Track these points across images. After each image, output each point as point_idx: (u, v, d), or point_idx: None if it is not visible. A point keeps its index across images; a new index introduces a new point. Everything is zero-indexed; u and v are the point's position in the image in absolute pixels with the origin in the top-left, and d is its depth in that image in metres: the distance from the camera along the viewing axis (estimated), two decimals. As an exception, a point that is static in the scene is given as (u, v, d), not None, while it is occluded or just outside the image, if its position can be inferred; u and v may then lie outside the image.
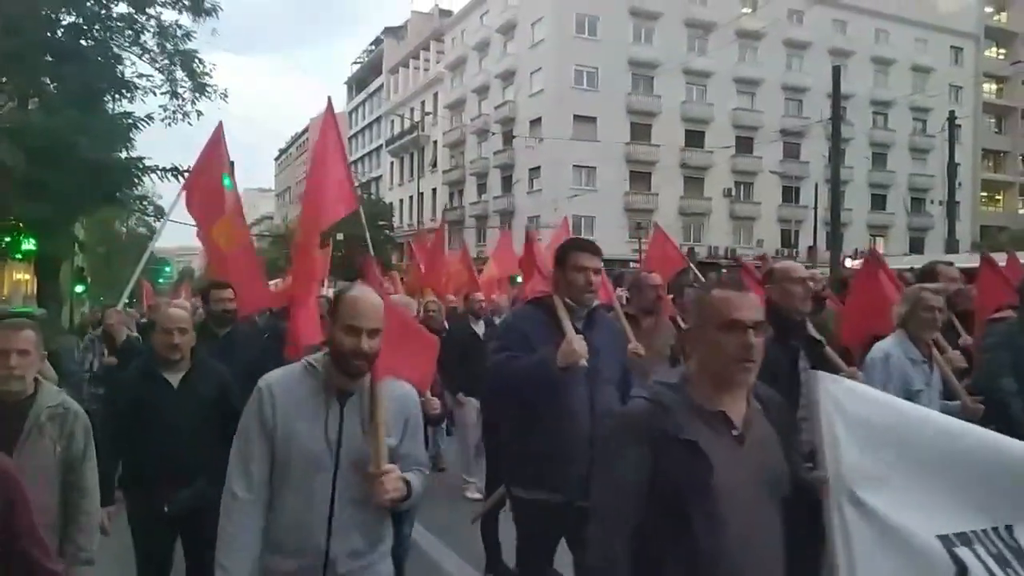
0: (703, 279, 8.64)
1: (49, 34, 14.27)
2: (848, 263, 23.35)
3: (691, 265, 9.01)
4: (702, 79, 41.56)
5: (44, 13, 13.93)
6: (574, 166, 38.45)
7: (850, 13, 44.46)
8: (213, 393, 3.40)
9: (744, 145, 42.59)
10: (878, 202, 46.60)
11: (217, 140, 5.95)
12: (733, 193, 42.58)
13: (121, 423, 3.34)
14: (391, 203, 49.69)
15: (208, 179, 5.84)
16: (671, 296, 6.90)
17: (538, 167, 39.42)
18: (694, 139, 41.63)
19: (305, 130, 75.01)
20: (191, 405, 3.32)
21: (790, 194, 42.82)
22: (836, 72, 20.35)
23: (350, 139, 66.59)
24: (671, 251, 8.22)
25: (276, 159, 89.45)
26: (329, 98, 5.97)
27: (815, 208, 34.29)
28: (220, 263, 5.76)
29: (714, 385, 1.79)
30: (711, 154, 41.09)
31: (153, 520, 3.28)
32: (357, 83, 65.96)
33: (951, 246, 23.39)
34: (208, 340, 4.26)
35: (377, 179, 58.15)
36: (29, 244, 15.20)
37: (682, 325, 6.14)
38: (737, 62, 42.21)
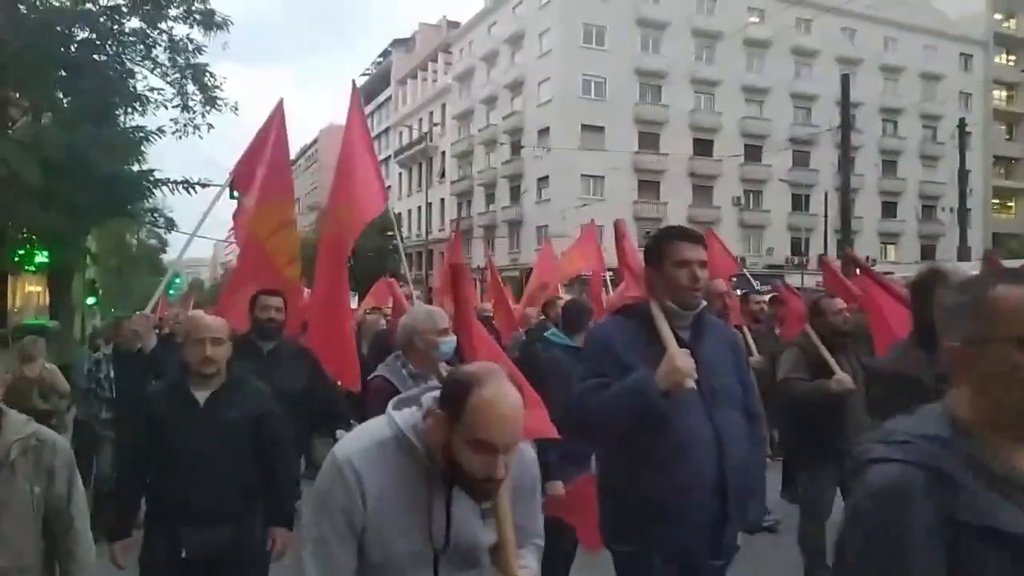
0: (757, 286, 7.77)
1: (63, 49, 14.45)
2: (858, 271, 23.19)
3: (745, 271, 8.44)
4: (710, 88, 41.56)
5: (59, 29, 14.13)
6: (582, 175, 38.48)
7: (858, 21, 44.37)
8: (248, 416, 2.90)
9: (753, 153, 42.50)
10: (889, 210, 46.37)
11: (274, 119, 5.10)
12: (742, 202, 42.46)
13: (143, 445, 2.90)
14: (399, 213, 49.88)
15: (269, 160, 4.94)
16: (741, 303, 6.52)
17: (546, 177, 39.49)
18: (702, 148, 41.56)
19: (314, 141, 75.47)
20: (218, 428, 2.82)
21: (800, 202, 42.67)
22: (845, 80, 20.30)
23: (359, 150, 66.84)
24: (725, 257, 7.54)
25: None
26: (353, 82, 5.35)
27: (825, 216, 34.14)
28: (259, 265, 4.83)
29: (1013, 434, 1.16)
30: (720, 162, 41.03)
31: (165, 564, 2.78)
32: (365, 95, 66.29)
33: (963, 254, 23.23)
34: (250, 355, 3.70)
35: (386, 189, 58.41)
36: (42, 256, 15.33)
37: (747, 333, 5.51)
38: (745, 71, 42.19)
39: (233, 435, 2.85)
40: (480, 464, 1.53)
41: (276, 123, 5.07)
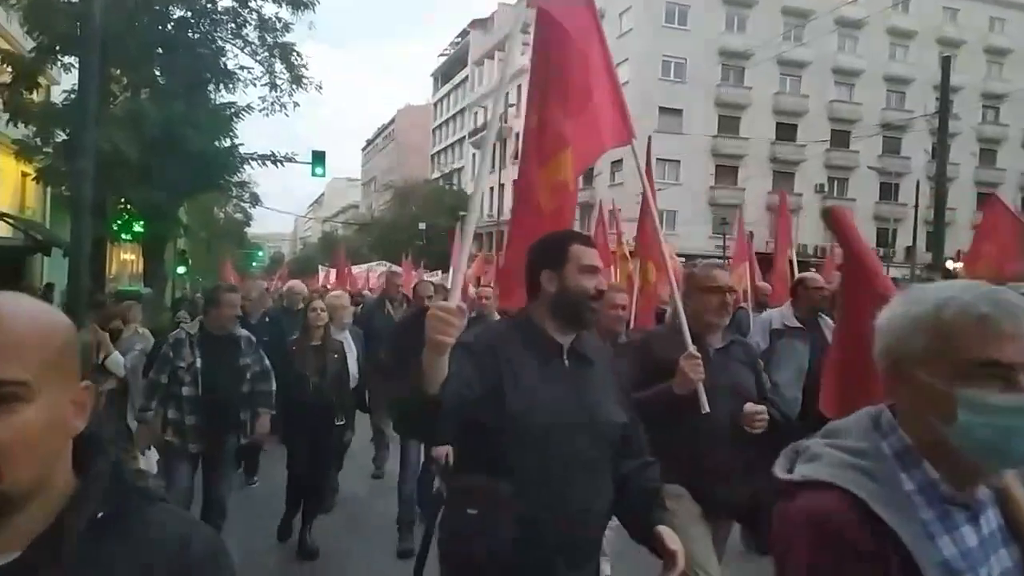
0: None
1: (160, 27, 15.11)
2: (949, 265, 21.96)
3: None
4: (797, 69, 39.97)
5: (156, 8, 14.80)
6: (657, 159, 37.55)
7: (962, 0, 41.74)
8: None
9: (840, 139, 40.74)
10: (985, 201, 43.75)
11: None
12: (826, 189, 40.85)
13: None
14: (472, 194, 50.30)
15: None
16: None
17: (620, 160, 38.93)
18: (786, 132, 40.14)
19: (392, 121, 76.65)
20: None
21: (888, 191, 40.75)
22: (945, 63, 19.17)
23: (434, 131, 67.60)
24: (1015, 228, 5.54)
25: (363, 149, 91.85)
26: None
27: (916, 206, 32.45)
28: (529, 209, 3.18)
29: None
30: (804, 148, 39.53)
31: None
32: (443, 75, 66.87)
33: (1069, 250, 21.67)
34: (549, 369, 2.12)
35: (459, 170, 58.89)
36: (138, 226, 16.17)
37: None
38: (836, 51, 40.36)
39: None
40: None
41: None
